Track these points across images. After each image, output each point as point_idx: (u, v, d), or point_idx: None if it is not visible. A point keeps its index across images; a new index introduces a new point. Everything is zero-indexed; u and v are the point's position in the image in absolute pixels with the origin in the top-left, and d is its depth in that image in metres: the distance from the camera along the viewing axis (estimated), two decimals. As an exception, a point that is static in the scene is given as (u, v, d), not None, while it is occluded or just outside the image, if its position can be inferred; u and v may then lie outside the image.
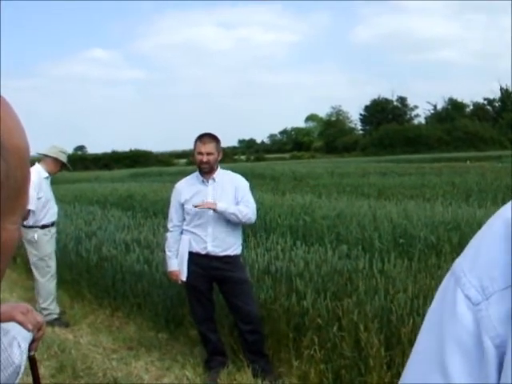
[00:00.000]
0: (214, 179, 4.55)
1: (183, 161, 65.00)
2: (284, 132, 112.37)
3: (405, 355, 3.91)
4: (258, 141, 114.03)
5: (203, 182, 4.55)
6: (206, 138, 4.52)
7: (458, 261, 0.75)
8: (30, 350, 1.27)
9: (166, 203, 5.08)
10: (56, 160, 6.15)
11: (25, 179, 0.61)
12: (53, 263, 6.30)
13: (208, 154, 4.46)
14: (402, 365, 3.91)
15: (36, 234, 6.06)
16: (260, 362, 4.48)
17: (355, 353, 4.09)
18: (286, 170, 27.60)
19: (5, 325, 1.23)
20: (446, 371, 0.69)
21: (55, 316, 6.20)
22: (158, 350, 5.30)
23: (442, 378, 0.69)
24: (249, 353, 4.56)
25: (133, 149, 72.26)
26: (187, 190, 4.58)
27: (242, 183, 4.61)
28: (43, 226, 6.11)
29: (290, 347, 4.55)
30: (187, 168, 33.14)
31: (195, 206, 4.38)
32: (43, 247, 6.14)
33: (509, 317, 0.65)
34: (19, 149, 0.59)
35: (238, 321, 4.57)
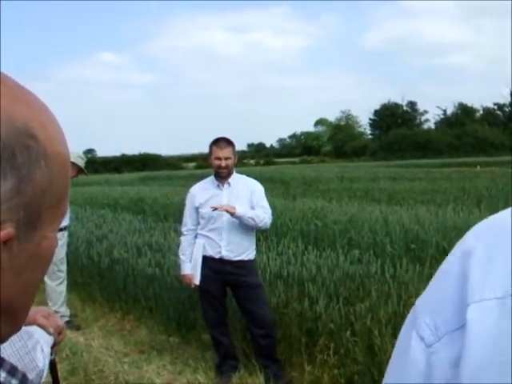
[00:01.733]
0: (229, 183, 4.54)
1: (192, 164, 65.13)
2: (293, 136, 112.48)
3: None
4: (268, 145, 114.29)
5: (218, 186, 4.55)
6: (223, 142, 4.51)
7: (420, 297, 0.70)
8: (50, 353, 1.28)
9: (177, 207, 5.09)
10: (73, 165, 6.18)
11: (66, 187, 0.61)
12: (64, 267, 6.32)
13: (226, 158, 4.46)
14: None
15: None
16: (272, 367, 4.47)
17: (368, 358, 4.07)
18: (295, 174, 27.61)
19: (28, 328, 1.24)
20: None
21: (66, 319, 6.21)
22: (170, 353, 5.30)
23: None
24: (261, 357, 4.54)
25: (142, 152, 72.57)
26: (202, 194, 4.58)
27: (258, 188, 4.60)
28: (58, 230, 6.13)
29: (302, 352, 4.54)
30: (196, 172, 33.22)
31: (213, 209, 4.37)
32: (56, 252, 6.14)
33: (458, 361, 0.60)
34: (61, 155, 0.59)
35: (250, 325, 4.56)
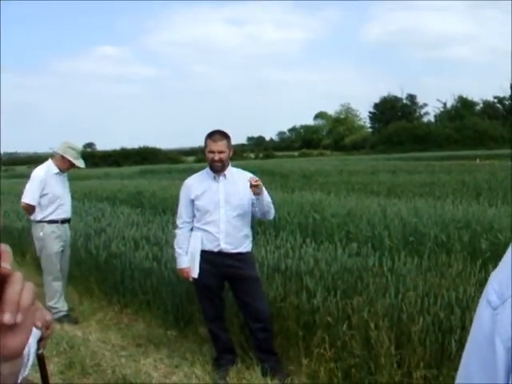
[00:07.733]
0: (224, 176, 4.52)
1: (191, 158, 65.03)
2: (293, 129, 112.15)
3: (415, 354, 3.89)
4: (267, 138, 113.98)
5: (214, 178, 4.52)
6: (217, 135, 4.48)
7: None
8: (38, 347, 1.26)
9: (175, 200, 5.05)
10: (63, 158, 6.15)
11: None
12: (58, 261, 6.27)
13: (219, 152, 4.43)
14: (412, 363, 3.89)
15: (43, 231, 6.08)
16: (269, 361, 4.46)
17: (365, 351, 4.06)
18: (294, 167, 27.57)
19: None
20: (468, 373, 0.78)
21: (64, 313, 6.20)
22: (167, 347, 5.29)
23: (465, 378, 0.79)
24: (258, 351, 4.53)
25: (141, 146, 72.48)
26: (198, 186, 4.55)
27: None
28: (50, 221, 6.12)
29: (299, 345, 4.53)
30: (195, 165, 33.16)
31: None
32: (50, 244, 6.14)
33: None
34: None
35: (248, 319, 4.55)
